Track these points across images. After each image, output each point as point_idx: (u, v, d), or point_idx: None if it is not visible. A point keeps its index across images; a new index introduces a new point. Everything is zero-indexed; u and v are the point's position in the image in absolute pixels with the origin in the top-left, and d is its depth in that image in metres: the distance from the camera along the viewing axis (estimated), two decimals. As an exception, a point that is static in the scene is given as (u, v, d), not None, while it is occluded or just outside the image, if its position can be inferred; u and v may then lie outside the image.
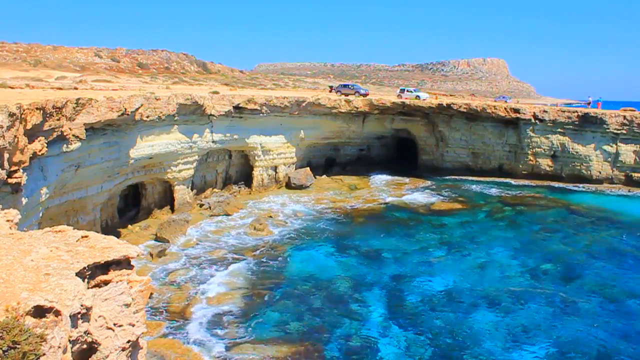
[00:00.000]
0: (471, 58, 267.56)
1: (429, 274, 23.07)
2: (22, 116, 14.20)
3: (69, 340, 3.98)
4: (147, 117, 25.55)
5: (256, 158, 38.16)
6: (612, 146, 43.45)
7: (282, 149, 39.64)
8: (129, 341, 4.83)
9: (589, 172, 44.05)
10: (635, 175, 43.00)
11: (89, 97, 20.56)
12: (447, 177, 46.79)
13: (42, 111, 15.70)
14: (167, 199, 31.33)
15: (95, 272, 4.83)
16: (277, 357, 15.44)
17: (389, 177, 46.51)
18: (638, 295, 21.20)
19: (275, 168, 39.68)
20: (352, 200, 37.33)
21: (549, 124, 44.52)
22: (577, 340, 17.27)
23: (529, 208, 36.45)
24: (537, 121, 44.64)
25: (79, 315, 4.19)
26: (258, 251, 25.28)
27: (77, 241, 5.26)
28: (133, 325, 4.91)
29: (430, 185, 43.95)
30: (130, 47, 77.64)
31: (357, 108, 43.52)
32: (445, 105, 45.69)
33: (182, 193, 31.46)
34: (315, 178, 42.07)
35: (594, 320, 18.78)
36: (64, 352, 3.78)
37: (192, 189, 33.35)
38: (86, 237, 5.40)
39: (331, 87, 55.92)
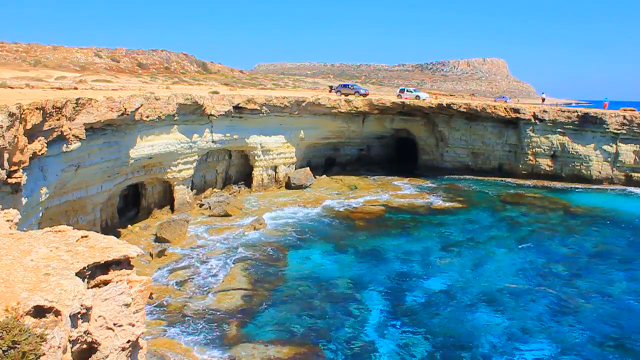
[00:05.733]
0: (471, 58, 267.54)
1: (428, 274, 23.07)
2: (22, 116, 14.20)
3: (69, 340, 3.98)
4: (147, 117, 25.55)
5: (256, 158, 38.17)
6: (612, 146, 43.46)
7: (282, 149, 39.65)
8: (128, 341, 4.83)
9: (588, 172, 44.06)
10: (635, 175, 43.02)
11: (89, 97, 20.56)
12: (447, 177, 46.80)
13: (42, 111, 15.70)
14: (167, 199, 31.33)
15: (95, 272, 4.83)
16: (278, 358, 15.44)
17: (389, 177, 46.52)
18: (638, 295, 21.21)
19: (275, 168, 39.69)
20: (352, 200, 37.32)
21: (548, 124, 44.54)
22: (576, 340, 17.27)
23: (528, 208, 36.45)
24: (537, 121, 44.66)
25: (79, 315, 4.20)
26: (257, 250, 25.27)
27: (77, 241, 5.26)
28: (133, 325, 4.92)
29: (430, 185, 43.96)
30: (130, 47, 77.71)
31: (357, 108, 43.52)
32: (445, 105, 45.71)
33: (182, 193, 31.46)
34: (315, 178, 42.07)
35: (593, 320, 18.77)
36: (64, 352, 3.79)
37: (192, 189, 33.35)
38: (86, 237, 5.40)
39: (331, 87, 55.93)
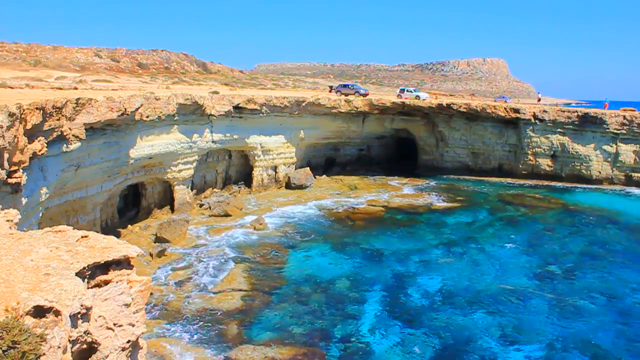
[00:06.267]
0: (471, 58, 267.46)
1: (428, 274, 23.08)
2: (22, 116, 14.20)
3: (69, 340, 3.98)
4: (147, 117, 25.55)
5: (256, 158, 38.16)
6: (612, 146, 43.47)
7: (282, 149, 39.65)
8: (128, 341, 4.83)
9: (588, 172, 44.07)
10: (635, 175, 43.03)
11: (89, 97, 20.56)
12: (447, 177, 46.81)
13: (42, 111, 15.70)
14: (167, 199, 31.33)
15: (95, 272, 4.83)
16: (278, 359, 15.43)
17: (388, 177, 46.53)
18: (637, 296, 21.21)
19: (275, 168, 39.69)
20: (352, 200, 37.33)
21: (548, 124, 44.55)
22: (576, 340, 17.27)
23: (528, 208, 36.46)
24: (537, 121, 44.67)
25: (79, 315, 4.19)
26: (258, 250, 25.27)
27: (77, 241, 5.26)
28: (133, 325, 4.91)
29: (430, 185, 43.97)
30: (130, 47, 77.65)
31: (357, 108, 43.53)
32: (445, 105, 45.71)
33: (182, 193, 31.46)
34: (315, 178, 42.08)
35: (593, 320, 18.78)
36: (64, 352, 3.79)
37: (192, 189, 33.35)
38: (86, 237, 5.40)
39: (331, 87, 55.93)
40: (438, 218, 33.27)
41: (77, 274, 4.43)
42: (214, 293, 19.96)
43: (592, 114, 43.61)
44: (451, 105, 45.38)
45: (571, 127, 44.25)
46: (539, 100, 59.95)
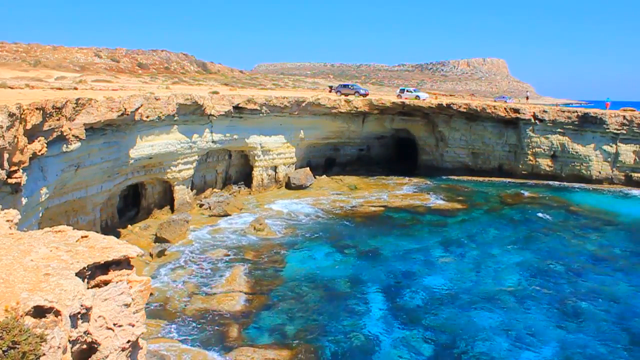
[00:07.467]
0: (471, 58, 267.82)
1: (428, 274, 23.07)
2: (22, 116, 14.20)
3: (69, 340, 3.98)
4: (147, 117, 25.55)
5: (256, 158, 38.16)
6: (612, 146, 43.46)
7: (282, 149, 39.65)
8: (128, 341, 4.83)
9: (588, 172, 44.07)
10: (635, 175, 43.01)
11: (89, 97, 20.55)
12: (447, 177, 46.81)
13: (42, 111, 15.69)
14: (167, 199, 31.32)
15: (95, 272, 4.83)
16: None
17: (388, 177, 46.52)
18: (637, 296, 21.21)
19: (275, 168, 39.69)
20: (351, 200, 37.33)
21: (548, 124, 44.55)
22: (576, 340, 17.26)
23: (528, 208, 36.45)
24: (537, 121, 44.67)
25: (79, 316, 4.19)
26: (258, 251, 25.27)
27: (77, 241, 5.26)
28: (133, 326, 4.92)
29: (429, 185, 43.97)
30: (130, 47, 77.75)
31: (357, 108, 43.53)
32: (445, 105, 45.70)
33: (182, 193, 31.45)
34: (315, 178, 42.07)
35: (592, 320, 18.77)
36: (64, 352, 3.79)
37: (192, 189, 33.34)
38: (86, 237, 5.40)
39: (331, 87, 55.93)
40: (438, 218, 33.27)
41: (77, 274, 4.43)
42: (214, 294, 19.95)
43: (592, 114, 43.61)
44: (451, 105, 45.38)
45: (571, 127, 44.24)
46: (527, 99, 61.10)
